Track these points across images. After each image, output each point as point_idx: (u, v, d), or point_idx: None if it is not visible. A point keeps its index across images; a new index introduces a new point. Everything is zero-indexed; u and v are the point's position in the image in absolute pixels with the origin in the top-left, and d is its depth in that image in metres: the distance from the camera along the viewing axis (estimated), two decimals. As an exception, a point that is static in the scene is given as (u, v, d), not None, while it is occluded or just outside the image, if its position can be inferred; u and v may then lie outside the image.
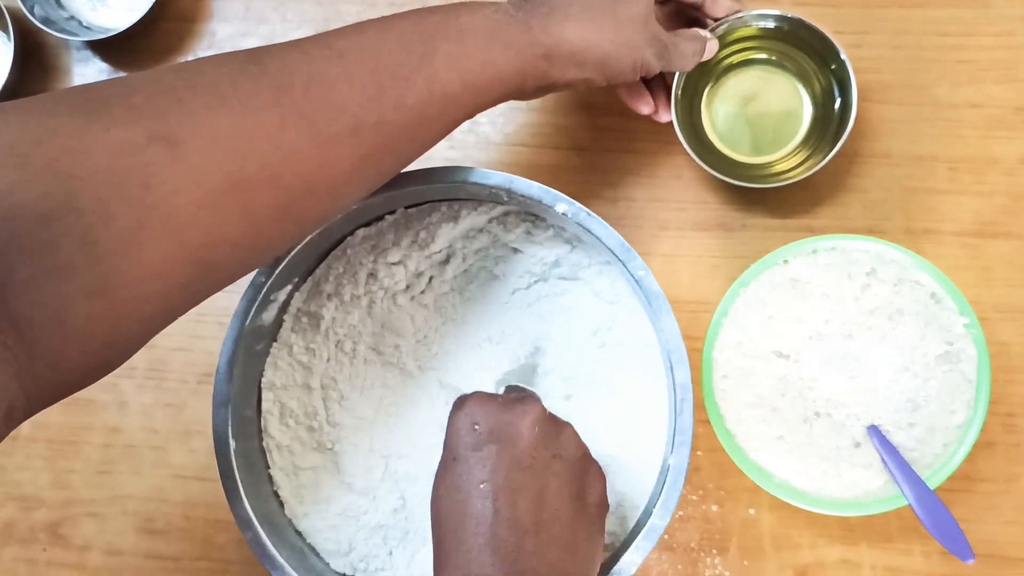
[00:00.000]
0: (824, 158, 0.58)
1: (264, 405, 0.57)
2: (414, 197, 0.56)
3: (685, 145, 0.59)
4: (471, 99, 0.47)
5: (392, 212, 0.58)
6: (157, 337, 0.65)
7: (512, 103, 0.65)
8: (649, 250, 0.63)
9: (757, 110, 0.63)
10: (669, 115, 0.59)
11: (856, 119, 0.58)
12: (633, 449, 0.56)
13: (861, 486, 0.56)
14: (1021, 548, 0.59)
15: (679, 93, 0.60)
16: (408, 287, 0.58)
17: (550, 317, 0.58)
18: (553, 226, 0.57)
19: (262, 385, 0.57)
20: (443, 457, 0.49)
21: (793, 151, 0.63)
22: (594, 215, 0.51)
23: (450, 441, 0.49)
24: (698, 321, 0.60)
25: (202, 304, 0.65)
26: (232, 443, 0.53)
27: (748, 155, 0.63)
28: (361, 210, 0.55)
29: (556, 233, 0.57)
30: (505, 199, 0.53)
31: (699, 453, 0.61)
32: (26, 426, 0.66)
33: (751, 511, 0.60)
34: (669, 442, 0.51)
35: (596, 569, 0.48)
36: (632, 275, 0.51)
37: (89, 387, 0.65)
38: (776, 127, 0.63)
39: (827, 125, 0.61)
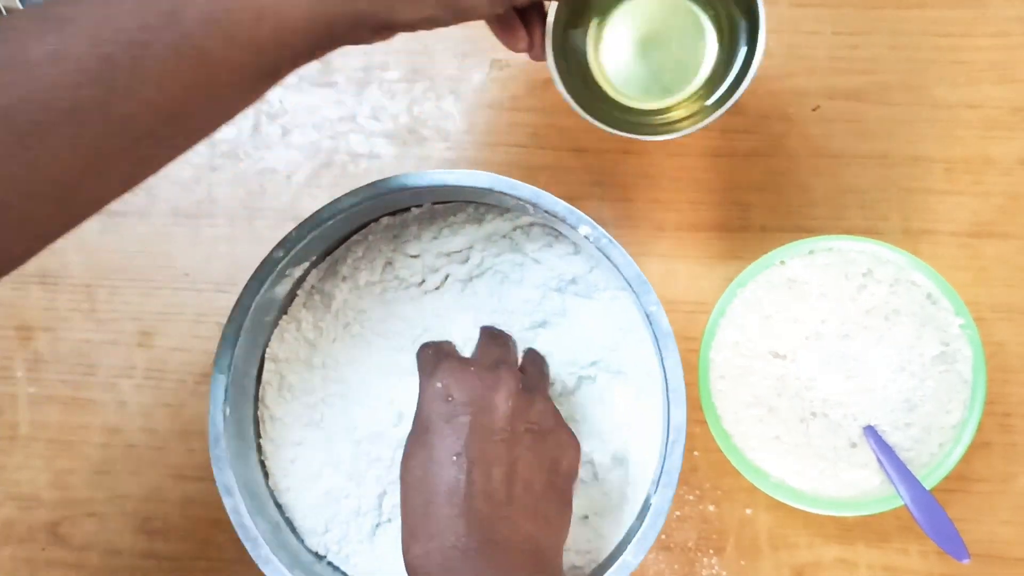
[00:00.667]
0: (729, 99, 0.52)
1: (265, 376, 0.58)
2: (443, 195, 0.56)
3: (562, 89, 0.52)
4: (252, 59, 0.39)
5: (419, 205, 0.58)
6: (156, 337, 0.66)
7: (511, 103, 0.66)
8: (646, 251, 0.63)
9: (653, 46, 0.56)
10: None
11: (765, 56, 0.52)
12: (619, 483, 0.56)
13: (858, 486, 0.56)
14: (1017, 548, 0.59)
15: (554, 23, 0.53)
16: (423, 281, 0.59)
17: (558, 332, 0.59)
18: (574, 244, 0.57)
19: (266, 356, 0.58)
20: (414, 426, 0.48)
21: (696, 93, 0.56)
22: (615, 243, 0.51)
23: (422, 410, 0.48)
24: (695, 321, 0.60)
25: (202, 304, 0.66)
26: (226, 410, 0.53)
27: (645, 100, 0.57)
28: (389, 200, 0.55)
29: (576, 251, 0.58)
30: (531, 211, 0.54)
31: (696, 453, 0.61)
32: (25, 426, 0.66)
33: (748, 511, 0.61)
34: (655, 481, 0.51)
35: (565, 538, 0.48)
36: (644, 309, 0.51)
37: (88, 387, 0.66)
38: (676, 66, 0.56)
39: (732, 62, 0.55)
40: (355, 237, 0.59)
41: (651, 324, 0.51)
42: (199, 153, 0.68)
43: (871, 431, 0.56)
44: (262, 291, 0.54)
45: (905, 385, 0.56)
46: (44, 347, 0.67)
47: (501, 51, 0.66)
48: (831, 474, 0.57)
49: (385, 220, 0.59)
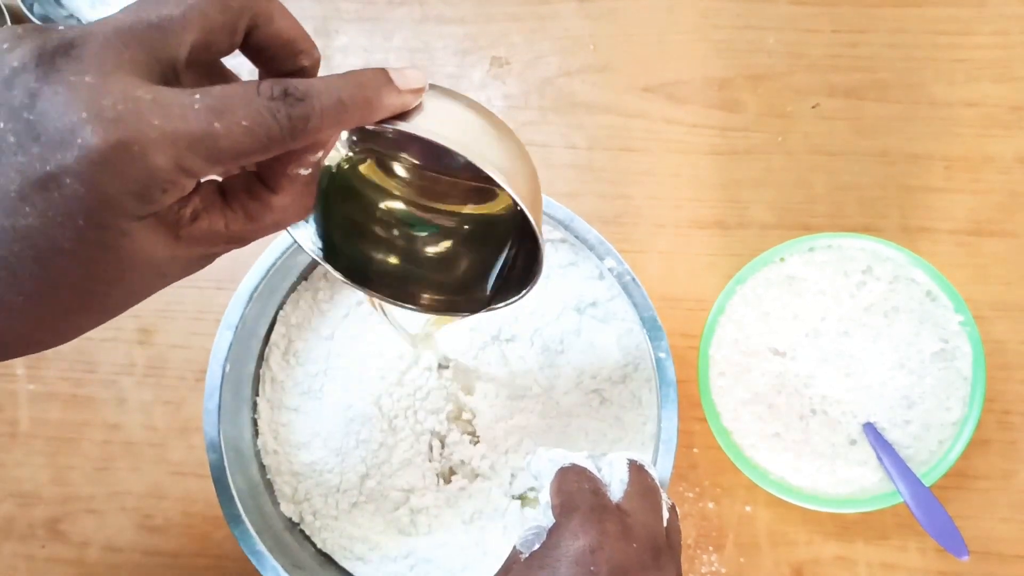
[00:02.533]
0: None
1: (273, 336, 0.59)
2: None
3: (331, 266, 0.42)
4: None
5: None
6: (156, 334, 0.66)
7: (512, 102, 0.66)
8: (646, 248, 0.63)
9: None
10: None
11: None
12: None
13: (857, 483, 0.56)
14: (1016, 545, 0.59)
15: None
16: None
17: (570, 351, 0.59)
18: (600, 269, 0.58)
19: (278, 317, 0.59)
20: (534, 564, 0.40)
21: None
22: (638, 282, 0.52)
23: (552, 558, 0.39)
24: (695, 318, 0.60)
25: (202, 302, 0.66)
26: (227, 367, 0.54)
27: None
28: None
29: (601, 276, 0.58)
30: (562, 229, 0.54)
31: (695, 450, 0.61)
32: (25, 423, 0.66)
33: (747, 508, 0.61)
34: None
35: None
36: (654, 354, 0.51)
37: (88, 384, 0.66)
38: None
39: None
40: None
41: (658, 370, 0.51)
42: (199, 150, 0.68)
43: (870, 428, 0.56)
44: (284, 255, 0.55)
45: (904, 382, 0.56)
46: (44, 344, 0.67)
47: (501, 48, 0.67)
48: (830, 471, 0.57)
49: None
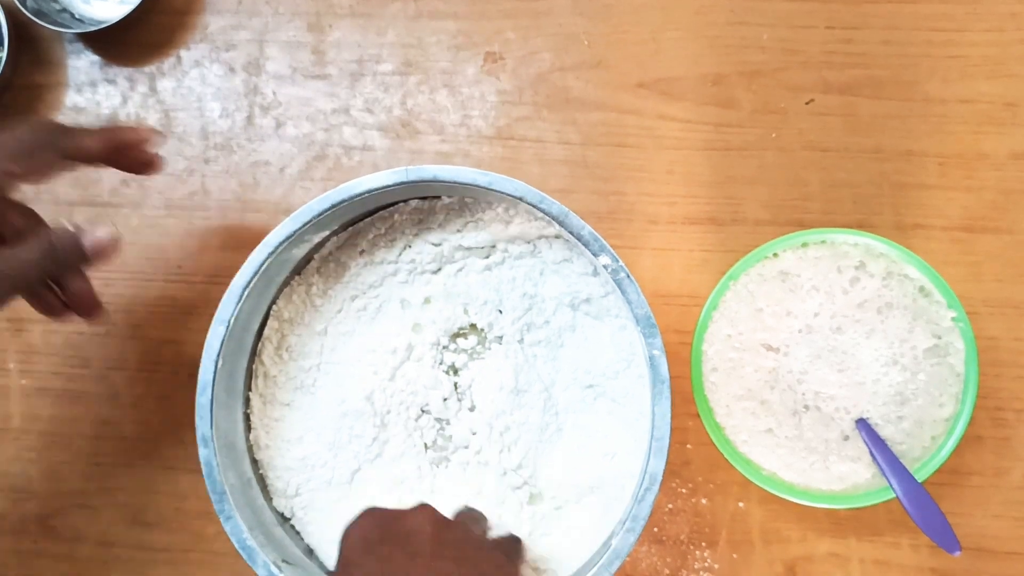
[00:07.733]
0: None
1: (266, 331, 0.59)
2: (475, 193, 0.57)
3: None
4: None
5: (451, 196, 0.59)
6: (148, 329, 0.66)
7: (505, 97, 0.66)
8: (640, 244, 0.63)
9: None
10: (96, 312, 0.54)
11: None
12: (589, 511, 0.56)
13: (849, 479, 0.56)
14: (1008, 541, 0.59)
15: None
16: (439, 269, 0.60)
17: (564, 347, 0.59)
18: (594, 264, 0.58)
19: (271, 312, 0.59)
20: (336, 571, 0.45)
21: None
22: (632, 279, 0.51)
23: (342, 554, 0.45)
24: (688, 314, 0.60)
25: (195, 297, 0.66)
26: (219, 362, 0.54)
27: None
28: (421, 187, 0.56)
29: (595, 272, 0.58)
30: (556, 226, 0.54)
31: (689, 446, 0.61)
32: (17, 418, 0.66)
33: (740, 504, 0.61)
34: (622, 521, 0.51)
35: None
36: (648, 352, 0.51)
37: (80, 379, 0.66)
38: None
39: None
40: (381, 213, 0.60)
41: (651, 367, 0.51)
42: (192, 145, 0.68)
43: (863, 424, 0.56)
44: (278, 251, 0.55)
45: (897, 378, 0.56)
46: (37, 339, 0.67)
47: (495, 44, 0.67)
48: (823, 467, 0.57)
49: (414, 203, 0.59)
